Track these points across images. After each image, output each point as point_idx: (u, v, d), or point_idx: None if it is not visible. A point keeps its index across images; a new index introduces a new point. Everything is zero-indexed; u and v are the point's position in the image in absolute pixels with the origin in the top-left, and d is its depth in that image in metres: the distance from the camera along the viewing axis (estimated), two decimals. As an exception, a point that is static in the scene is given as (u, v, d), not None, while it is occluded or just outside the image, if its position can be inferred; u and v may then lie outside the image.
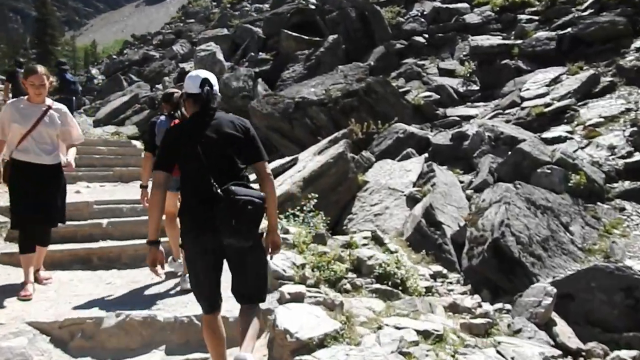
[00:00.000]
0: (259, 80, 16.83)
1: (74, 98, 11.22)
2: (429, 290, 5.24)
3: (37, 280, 4.44)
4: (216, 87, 3.03)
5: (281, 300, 3.92)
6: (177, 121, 4.29)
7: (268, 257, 3.05)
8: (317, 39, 18.16)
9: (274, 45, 20.60)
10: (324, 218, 6.79)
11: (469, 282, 5.69)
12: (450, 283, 5.73)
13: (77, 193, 7.72)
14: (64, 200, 4.56)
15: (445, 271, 5.96)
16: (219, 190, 2.65)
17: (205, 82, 2.93)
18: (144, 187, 4.77)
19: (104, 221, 5.61)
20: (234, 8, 34.48)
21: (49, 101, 4.46)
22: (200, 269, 2.83)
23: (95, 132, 16.75)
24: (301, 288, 4.05)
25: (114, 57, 37.95)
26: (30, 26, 78.33)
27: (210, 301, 2.87)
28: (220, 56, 18.30)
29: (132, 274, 4.98)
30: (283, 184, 7.40)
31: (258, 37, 21.72)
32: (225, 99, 17.23)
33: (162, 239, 2.97)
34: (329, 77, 15.01)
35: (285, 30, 18.45)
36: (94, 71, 33.59)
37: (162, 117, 4.76)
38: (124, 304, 4.10)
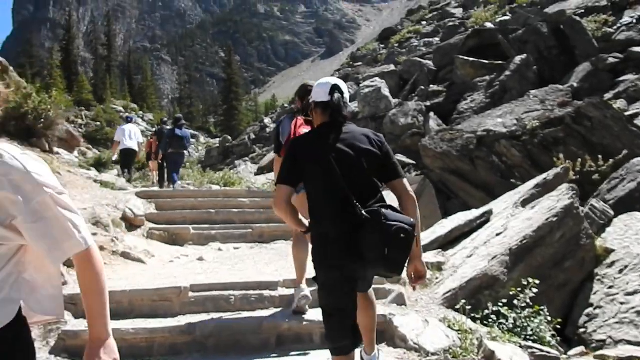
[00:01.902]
0: (431, 114, 14.40)
1: (185, 152, 11.42)
2: None
3: None
4: (347, 95, 2.78)
5: None
6: (299, 118, 3.90)
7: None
8: (500, 62, 15.20)
9: (447, 77, 18.13)
10: (549, 319, 4.00)
11: None
12: None
13: (199, 261, 6.06)
14: None
15: None
16: (364, 212, 2.36)
17: (335, 88, 2.70)
18: None
19: (196, 320, 3.60)
20: (401, 46, 33.00)
21: None
22: (345, 300, 2.51)
23: (257, 181, 15.82)
24: None
25: (286, 106, 39.00)
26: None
27: (355, 334, 2.53)
28: (385, 91, 16.39)
29: None
30: (473, 256, 4.75)
31: (428, 69, 19.46)
32: (392, 139, 15.11)
33: None
34: (520, 104, 11.94)
35: (461, 56, 15.84)
36: (266, 120, 34.57)
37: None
38: None
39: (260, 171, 18.12)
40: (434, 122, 14.02)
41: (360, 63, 36.35)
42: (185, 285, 3.97)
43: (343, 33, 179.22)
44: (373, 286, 4.40)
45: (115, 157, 15.21)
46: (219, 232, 7.29)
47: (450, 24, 28.25)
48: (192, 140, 52.64)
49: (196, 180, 14.34)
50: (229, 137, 36.73)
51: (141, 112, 51.94)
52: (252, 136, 31.16)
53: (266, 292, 4.07)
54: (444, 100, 15.62)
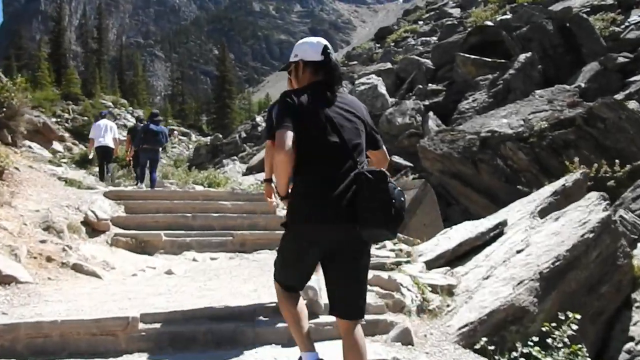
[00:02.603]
0: (430, 114, 13.64)
1: (160, 149, 10.56)
2: None
3: None
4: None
5: None
6: None
7: None
8: (502, 60, 14.48)
9: (446, 75, 17.39)
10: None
11: None
12: None
13: (168, 275, 5.22)
14: None
15: None
16: (366, 172, 2.29)
17: (327, 48, 2.59)
18: (267, 180, 3.66)
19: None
20: (398, 45, 32.21)
21: None
22: (311, 260, 2.45)
23: (245, 181, 14.95)
24: None
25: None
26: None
27: (304, 283, 2.64)
28: (382, 89, 15.60)
29: None
30: (491, 278, 3.96)
31: (426, 68, 18.69)
32: (388, 139, 14.32)
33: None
34: (526, 104, 11.21)
35: (462, 54, 15.09)
36: (258, 119, 33.58)
37: None
38: None
39: (249, 171, 17.25)
40: (433, 122, 13.26)
41: (355, 62, 35.51)
42: (134, 315, 3.13)
43: (338, 33, 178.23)
44: (371, 317, 3.62)
45: (91, 156, 14.44)
46: (195, 240, 6.43)
47: (449, 23, 27.52)
48: (183, 138, 51.71)
49: (180, 179, 13.45)
50: (220, 136, 35.78)
51: (131, 108, 50.82)
52: (243, 135, 30.24)
53: (238, 325, 3.24)
54: (444, 99, 14.88)
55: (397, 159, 13.00)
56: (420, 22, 36.92)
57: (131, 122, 41.38)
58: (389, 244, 6.10)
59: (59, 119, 41.12)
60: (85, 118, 41.34)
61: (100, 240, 6.02)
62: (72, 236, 5.51)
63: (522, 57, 13.57)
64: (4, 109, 8.39)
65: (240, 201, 7.82)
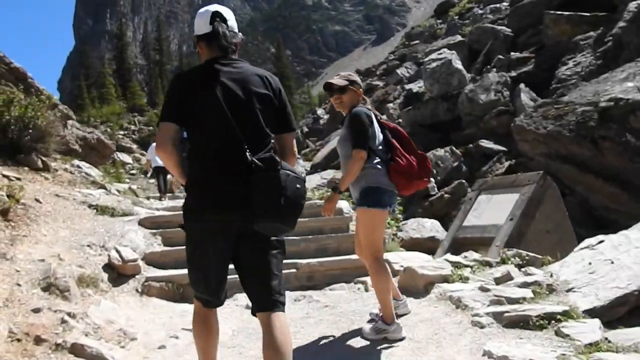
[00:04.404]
0: (521, 86, 11.44)
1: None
2: None
3: None
4: (232, 23, 2.41)
5: None
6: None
7: None
8: (604, 13, 12.00)
9: (529, 41, 14.99)
10: None
11: None
12: None
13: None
14: None
15: None
16: (255, 159, 2.13)
17: (216, 15, 2.35)
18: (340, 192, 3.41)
19: None
20: (462, 17, 29.59)
21: None
22: (212, 254, 2.27)
23: (311, 180, 13.44)
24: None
25: (338, 95, 36.41)
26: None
27: (218, 294, 2.38)
28: (457, 64, 13.52)
29: None
30: None
31: (504, 35, 16.31)
32: (471, 120, 12.29)
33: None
34: (651, 61, 8.85)
35: (552, 12, 12.71)
36: (319, 111, 32.04)
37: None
38: None
39: (314, 169, 15.75)
40: (526, 96, 11.08)
41: (417, 41, 33.12)
42: None
43: (393, 17, 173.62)
44: None
45: (149, 174, 16.11)
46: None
47: (521, -16, 24.61)
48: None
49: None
50: (282, 133, 34.53)
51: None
52: (305, 129, 28.85)
53: None
54: (534, 68, 12.57)
55: (485, 143, 10.98)
56: (485, -10, 33.95)
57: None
58: (516, 273, 4.28)
59: (126, 132, 42.21)
60: (151, 128, 42.08)
61: (128, 289, 4.66)
62: (85, 292, 4.15)
63: (632, 5, 11.03)
64: (30, 131, 7.33)
65: (304, 217, 6.24)
